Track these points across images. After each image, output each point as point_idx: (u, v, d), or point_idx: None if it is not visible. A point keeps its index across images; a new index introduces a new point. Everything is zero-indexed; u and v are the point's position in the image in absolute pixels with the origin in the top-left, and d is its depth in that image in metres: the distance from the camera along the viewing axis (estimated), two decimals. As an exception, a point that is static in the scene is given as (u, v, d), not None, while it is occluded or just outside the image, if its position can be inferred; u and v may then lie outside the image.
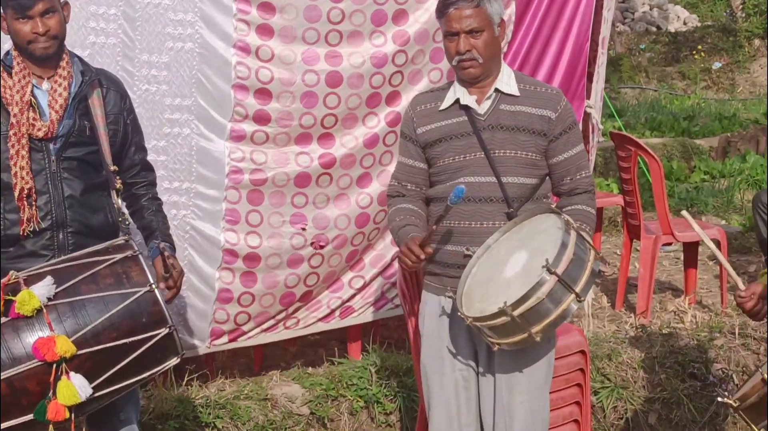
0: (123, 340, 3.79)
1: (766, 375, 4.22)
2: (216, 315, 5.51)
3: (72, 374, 3.73)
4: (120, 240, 4.07)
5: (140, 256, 3.95)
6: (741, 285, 4.57)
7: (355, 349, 6.06)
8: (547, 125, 4.51)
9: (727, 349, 6.34)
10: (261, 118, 5.39)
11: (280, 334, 5.80)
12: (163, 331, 3.88)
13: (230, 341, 5.65)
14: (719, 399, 5.40)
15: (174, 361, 3.99)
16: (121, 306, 3.80)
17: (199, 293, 5.47)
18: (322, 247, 5.60)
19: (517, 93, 4.53)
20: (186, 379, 5.57)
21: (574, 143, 4.57)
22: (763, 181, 11.28)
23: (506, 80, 4.53)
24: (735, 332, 6.60)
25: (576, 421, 5.16)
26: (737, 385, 6.00)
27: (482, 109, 4.50)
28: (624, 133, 8.53)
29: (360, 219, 5.63)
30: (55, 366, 3.70)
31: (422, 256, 4.31)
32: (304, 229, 5.56)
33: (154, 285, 3.90)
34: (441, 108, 4.56)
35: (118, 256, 3.93)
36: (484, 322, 4.28)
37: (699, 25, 21.96)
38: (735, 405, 4.32)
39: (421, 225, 4.55)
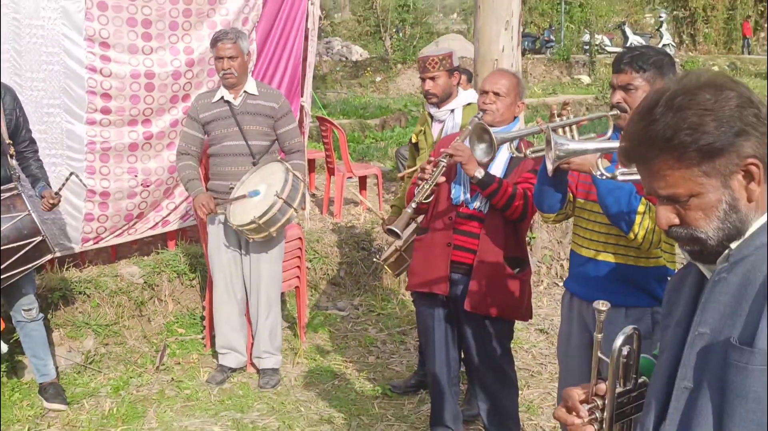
0: (11, 245, 3.56)
1: (398, 246, 4.36)
2: (84, 229, 5.22)
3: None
4: (11, 185, 3.79)
5: (22, 194, 3.71)
6: (378, 213, 4.70)
7: (172, 245, 5.89)
8: (273, 111, 4.48)
9: (380, 232, 6.46)
10: (105, 110, 5.08)
11: (125, 238, 5.56)
12: (38, 239, 3.68)
13: (94, 243, 5.36)
14: (375, 259, 5.54)
15: (49, 257, 3.82)
16: (10, 224, 3.56)
17: (73, 216, 5.16)
18: (147, 186, 5.38)
19: (256, 93, 4.49)
20: (66, 266, 5.25)
21: (290, 122, 4.56)
22: (405, 141, 11.58)
23: (251, 86, 4.48)
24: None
25: (298, 277, 5.20)
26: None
27: (237, 102, 4.45)
28: (324, 116, 8.51)
29: (170, 168, 5.43)
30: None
31: (213, 209, 4.37)
32: (135, 176, 5.31)
33: (31, 211, 3.66)
34: (213, 101, 4.47)
35: (7, 194, 3.66)
36: (243, 227, 4.27)
37: (368, 56, 22.27)
38: (381, 263, 4.46)
39: (198, 176, 4.51)
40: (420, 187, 3.34)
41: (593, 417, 1.62)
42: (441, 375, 3.59)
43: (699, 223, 1.41)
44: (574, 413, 1.65)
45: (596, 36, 23.29)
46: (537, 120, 2.81)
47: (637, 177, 2.35)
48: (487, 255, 3.38)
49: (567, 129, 2.67)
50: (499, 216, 3.35)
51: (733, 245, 1.41)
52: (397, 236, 3.52)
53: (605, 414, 1.62)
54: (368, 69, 20.15)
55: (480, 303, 3.38)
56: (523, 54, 22.09)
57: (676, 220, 1.44)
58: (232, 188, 4.39)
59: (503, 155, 3.42)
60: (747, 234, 1.40)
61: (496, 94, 3.39)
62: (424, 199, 3.34)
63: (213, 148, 4.49)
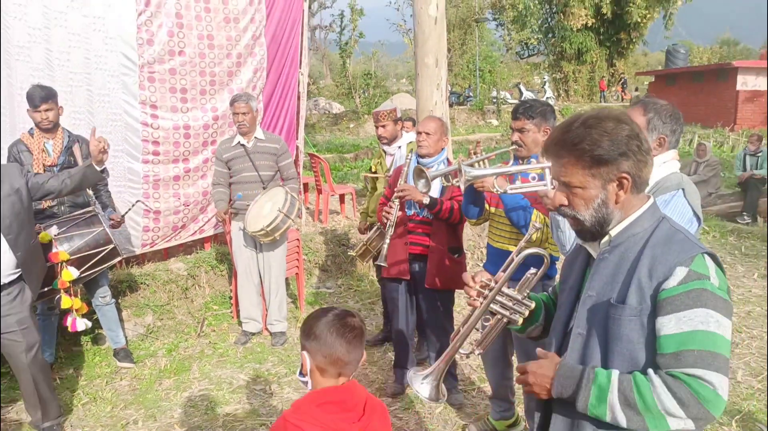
0: (91, 251, 3.44)
1: (365, 241, 4.30)
2: (143, 237, 5.09)
3: (69, 266, 3.35)
4: (90, 208, 3.68)
5: (98, 215, 3.58)
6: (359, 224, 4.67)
7: (207, 246, 5.77)
8: (276, 150, 4.40)
9: (355, 233, 6.42)
10: (155, 153, 4.96)
11: (173, 243, 5.41)
12: (110, 246, 3.56)
13: (150, 247, 5.22)
14: (350, 253, 5.45)
15: (118, 259, 3.69)
16: (90, 236, 3.44)
17: (134, 228, 5.03)
18: (187, 206, 5.26)
19: (263, 138, 4.39)
20: (131, 265, 5.13)
21: (288, 158, 4.48)
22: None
23: (259, 133, 4.38)
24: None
25: (297, 266, 5.13)
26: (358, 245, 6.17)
27: (250, 145, 4.34)
28: (314, 153, 8.43)
29: (204, 193, 5.32)
30: (60, 263, 3.30)
31: (225, 217, 4.28)
32: (179, 199, 5.18)
33: (106, 227, 3.55)
34: (232, 145, 4.37)
35: (88, 215, 3.55)
36: (256, 233, 4.17)
37: (344, 110, 22.16)
38: (354, 254, 4.39)
39: (225, 198, 4.38)
40: (388, 221, 3.35)
41: (484, 292, 1.61)
42: (403, 331, 3.62)
43: (580, 208, 1.43)
44: (472, 283, 1.63)
45: (501, 92, 23.56)
46: (459, 157, 2.80)
47: (524, 190, 2.41)
48: (435, 247, 3.41)
49: (480, 162, 2.66)
50: (441, 221, 3.37)
51: (613, 233, 1.44)
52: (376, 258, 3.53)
53: (489, 294, 1.61)
54: (344, 119, 20.06)
55: (432, 280, 3.39)
56: (450, 106, 22.41)
57: (565, 202, 1.45)
58: (248, 205, 4.32)
59: (436, 183, 3.44)
60: (622, 226, 1.44)
61: (427, 133, 3.38)
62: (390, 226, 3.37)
63: (234, 178, 4.41)
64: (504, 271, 1.64)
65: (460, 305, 5.22)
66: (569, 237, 2.30)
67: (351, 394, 1.50)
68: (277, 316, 4.59)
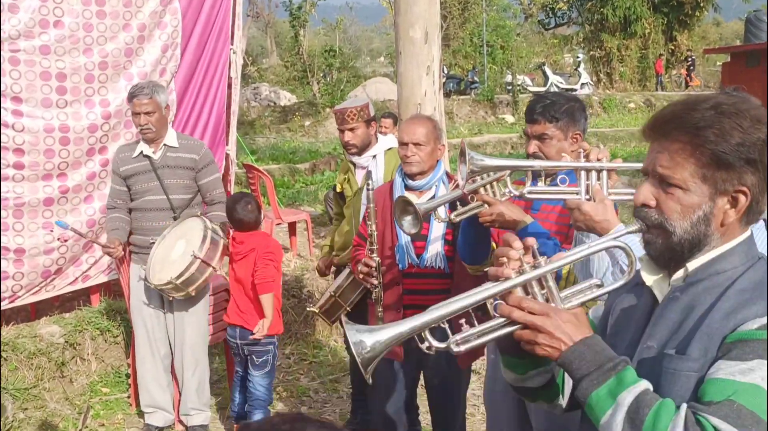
0: None
1: (333, 292, 4.28)
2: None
3: None
4: None
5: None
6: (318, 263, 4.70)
7: (95, 300, 5.68)
8: (194, 163, 4.41)
9: (311, 279, 6.41)
10: (18, 166, 4.90)
11: (43, 295, 5.31)
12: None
13: (10, 302, 5.11)
14: (307, 308, 5.44)
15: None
16: None
17: (-14, 276, 4.92)
18: (65, 241, 5.17)
19: (177, 145, 4.40)
20: (-19, 329, 5.00)
21: (211, 173, 4.49)
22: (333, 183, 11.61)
23: (171, 138, 4.39)
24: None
25: (225, 329, 5.05)
26: (318, 299, 6.14)
27: (157, 156, 4.36)
28: (250, 163, 8.45)
29: (89, 222, 5.25)
30: None
31: (119, 253, 4.30)
32: (51, 231, 5.09)
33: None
34: (133, 155, 4.38)
35: None
36: (162, 287, 4.17)
37: (297, 101, 22.33)
38: (316, 311, 4.36)
39: (124, 226, 4.39)
40: (372, 288, 3.38)
41: (524, 266, 1.59)
42: (394, 422, 3.57)
43: (673, 216, 1.49)
44: (518, 244, 1.62)
45: (518, 76, 23.99)
46: (456, 181, 2.80)
47: (550, 196, 2.43)
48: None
49: (488, 186, 2.66)
50: (464, 269, 3.19)
51: (690, 266, 1.50)
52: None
53: (533, 272, 1.58)
54: (297, 113, 20.16)
55: (461, 358, 3.37)
56: (448, 95, 22.75)
57: (652, 203, 1.51)
58: (153, 243, 4.28)
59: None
60: (706, 258, 1.50)
61: (416, 144, 3.38)
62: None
63: (134, 202, 4.37)
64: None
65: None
66: (598, 267, 2.32)
67: None
68: (195, 403, 4.51)
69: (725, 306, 1.42)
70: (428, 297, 3.42)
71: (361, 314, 4.25)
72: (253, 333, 4.18)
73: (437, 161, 3.49)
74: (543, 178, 2.77)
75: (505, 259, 1.59)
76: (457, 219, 2.72)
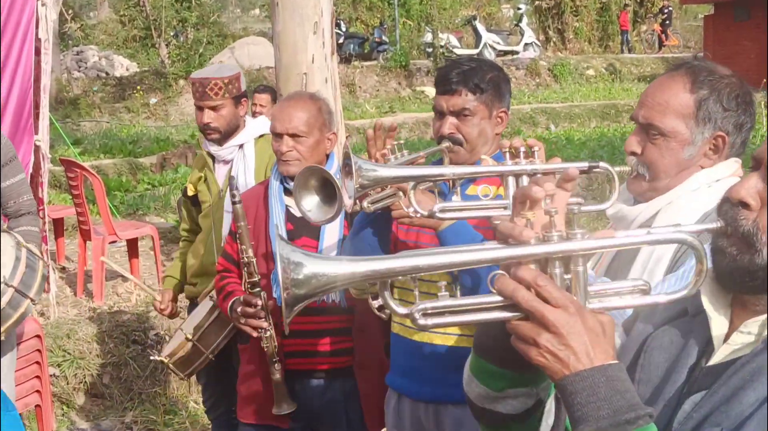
0: None
1: (189, 335, 4.24)
2: None
3: None
4: None
5: None
6: (157, 297, 4.62)
7: None
8: (-13, 160, 4.28)
9: (160, 318, 6.31)
10: None
11: None
12: None
13: None
14: (154, 357, 5.40)
15: None
16: None
17: None
18: None
19: (-40, 136, 4.25)
20: None
21: (13, 174, 4.36)
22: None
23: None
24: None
25: (38, 391, 4.95)
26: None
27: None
28: (70, 158, 8.29)
29: None
30: None
31: None
32: None
33: None
34: None
35: None
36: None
37: (138, 70, 22.03)
38: (165, 361, 4.31)
39: None
40: (262, 335, 3.37)
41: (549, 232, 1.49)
42: None
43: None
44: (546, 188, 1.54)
45: (440, 35, 24.31)
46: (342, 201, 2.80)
47: (473, 214, 2.44)
48: (366, 354, 3.43)
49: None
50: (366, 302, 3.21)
51: None
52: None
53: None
54: (139, 87, 19.91)
55: (374, 423, 3.45)
56: (347, 61, 22.86)
57: (755, 202, 1.45)
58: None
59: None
60: None
61: (294, 135, 3.39)
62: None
63: None
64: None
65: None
66: (647, 269, 2.30)
67: None
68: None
69: None
70: (318, 342, 3.45)
71: (227, 367, 4.24)
72: None
73: (326, 155, 3.51)
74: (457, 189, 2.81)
75: (524, 216, 1.49)
76: (373, 208, 2.71)
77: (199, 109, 4.23)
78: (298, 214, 3.34)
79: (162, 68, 21.18)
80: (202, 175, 4.40)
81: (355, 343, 3.44)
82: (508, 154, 2.22)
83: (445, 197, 2.78)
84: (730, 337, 1.50)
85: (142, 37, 24.24)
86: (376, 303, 3.06)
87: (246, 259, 3.38)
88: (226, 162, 4.31)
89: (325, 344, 3.45)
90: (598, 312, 1.46)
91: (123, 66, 22.50)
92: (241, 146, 4.27)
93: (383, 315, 3.12)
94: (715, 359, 1.51)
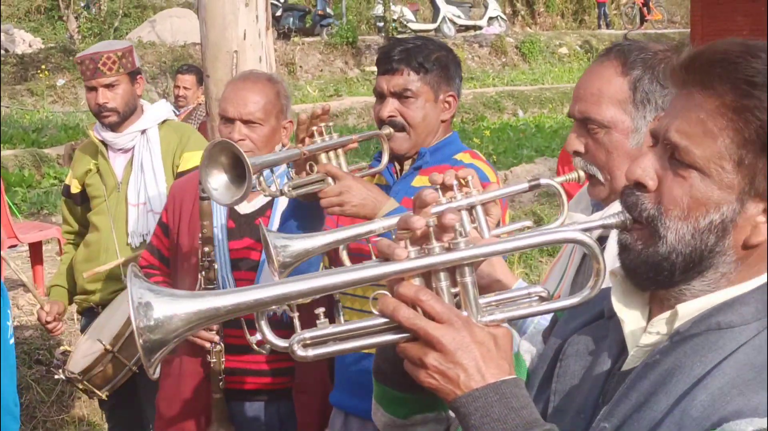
0: None
1: (108, 346, 4.18)
2: None
3: None
4: None
5: None
6: (45, 307, 4.55)
7: None
8: None
9: (68, 333, 6.27)
10: None
11: None
12: None
13: None
14: (61, 376, 5.32)
15: None
16: None
17: None
18: None
19: None
20: None
21: None
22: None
23: None
24: (74, 318, 6.55)
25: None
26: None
27: None
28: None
29: None
30: None
31: None
32: None
33: None
34: None
35: None
36: None
37: (43, 47, 21.78)
38: (78, 378, 4.24)
39: None
40: (213, 357, 3.39)
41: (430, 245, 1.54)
42: None
43: (673, 211, 1.47)
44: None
45: (393, 7, 24.35)
46: (297, 144, 2.83)
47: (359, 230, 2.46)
48: (306, 375, 3.47)
49: (332, 153, 2.76)
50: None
51: (681, 308, 1.50)
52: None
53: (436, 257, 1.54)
54: (44, 67, 19.68)
55: None
56: (286, 37, 22.80)
57: (652, 183, 1.49)
58: None
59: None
60: (709, 301, 1.49)
61: (248, 122, 3.39)
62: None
63: None
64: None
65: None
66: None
67: None
68: None
69: (716, 385, 1.41)
70: (256, 359, 3.45)
71: (131, 385, 4.22)
72: None
73: (282, 146, 3.52)
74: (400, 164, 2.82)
75: (410, 221, 1.53)
76: (295, 193, 2.73)
77: (92, 89, 4.26)
78: (242, 211, 3.36)
79: (71, 45, 20.92)
80: (93, 167, 4.38)
81: (296, 363, 3.45)
82: (440, 190, 2.25)
83: (390, 189, 2.89)
84: (640, 339, 1.55)
85: (48, 9, 24.00)
86: (253, 339, 3.14)
87: (207, 263, 3.39)
88: (125, 150, 4.31)
89: (264, 362, 3.47)
90: (493, 325, 1.51)
91: (25, 42, 22.18)
92: (143, 132, 4.27)
93: (263, 351, 3.19)
94: (629, 364, 1.55)
